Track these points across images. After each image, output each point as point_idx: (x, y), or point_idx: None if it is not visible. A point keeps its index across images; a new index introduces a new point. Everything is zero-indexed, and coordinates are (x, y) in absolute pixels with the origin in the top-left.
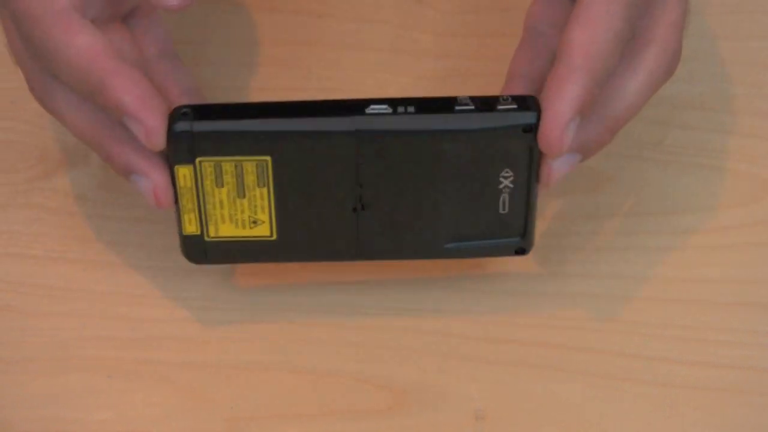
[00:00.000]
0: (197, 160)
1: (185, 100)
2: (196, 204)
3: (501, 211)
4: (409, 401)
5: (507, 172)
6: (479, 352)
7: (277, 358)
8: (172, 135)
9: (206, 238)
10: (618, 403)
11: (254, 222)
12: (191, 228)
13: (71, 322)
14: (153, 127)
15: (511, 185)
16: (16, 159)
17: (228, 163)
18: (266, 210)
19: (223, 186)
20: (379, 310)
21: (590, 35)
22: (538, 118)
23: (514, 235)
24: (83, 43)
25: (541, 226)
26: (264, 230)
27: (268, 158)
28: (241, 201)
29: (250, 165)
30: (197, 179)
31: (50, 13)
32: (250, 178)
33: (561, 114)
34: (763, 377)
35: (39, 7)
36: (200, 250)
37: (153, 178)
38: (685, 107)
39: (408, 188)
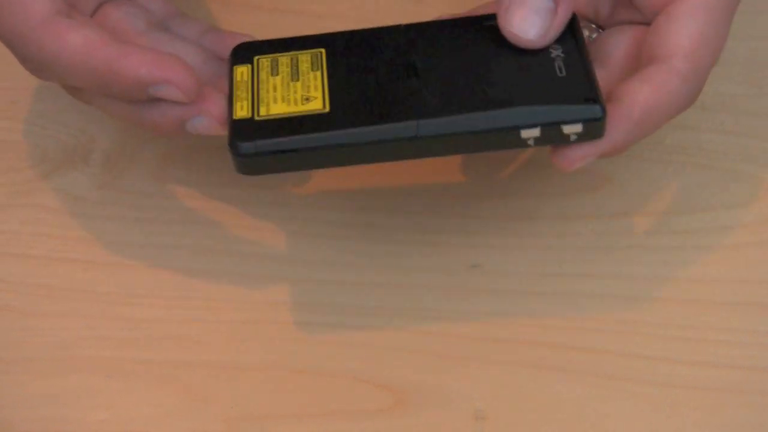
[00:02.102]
0: (255, 57)
1: (206, 43)
2: (249, 92)
3: (559, 74)
4: (409, 401)
5: (555, 46)
6: (479, 352)
7: (277, 358)
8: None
9: (256, 118)
10: (618, 403)
11: (307, 99)
12: (242, 112)
13: (71, 322)
14: (186, 84)
15: (563, 54)
16: (16, 159)
17: (284, 57)
18: (319, 88)
19: (278, 74)
20: (380, 310)
21: (657, 99)
22: None
23: (584, 99)
24: (76, 42)
25: (541, 226)
26: (317, 104)
27: (323, 50)
28: (294, 84)
29: (305, 56)
30: (253, 72)
31: (32, 27)
32: (304, 65)
33: (596, 152)
34: (763, 377)
35: (20, 24)
36: (249, 131)
37: (212, 111)
38: None
39: (461, 59)
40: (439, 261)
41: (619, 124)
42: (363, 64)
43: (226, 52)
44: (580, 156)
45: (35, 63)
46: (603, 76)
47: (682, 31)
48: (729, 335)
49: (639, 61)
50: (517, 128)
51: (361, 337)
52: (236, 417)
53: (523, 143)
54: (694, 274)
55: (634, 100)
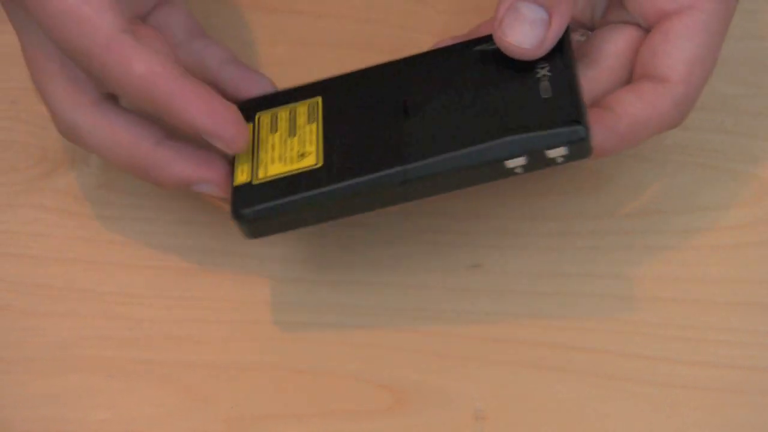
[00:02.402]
0: (257, 114)
1: (225, 74)
2: (250, 154)
3: (543, 96)
4: (409, 401)
5: (542, 64)
6: (479, 352)
7: (277, 358)
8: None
9: (254, 182)
10: (618, 403)
11: (302, 155)
12: (242, 177)
13: (71, 322)
14: (232, 137)
15: (549, 73)
16: (16, 159)
17: (284, 111)
18: (314, 142)
19: (277, 131)
20: (380, 310)
21: (647, 116)
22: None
23: (566, 121)
24: (141, 70)
25: (541, 226)
26: (311, 160)
27: (319, 99)
28: (291, 140)
29: (302, 107)
30: (254, 132)
31: (98, 46)
32: (301, 119)
33: None
34: (763, 377)
35: (85, 41)
36: (248, 196)
37: (215, 180)
38: None
39: (450, 93)
40: (439, 261)
41: (603, 131)
42: (356, 109)
43: (242, 89)
44: None
45: (99, 81)
46: (592, 75)
47: (678, 55)
48: (729, 335)
49: (629, 65)
50: (502, 160)
51: (361, 337)
52: (236, 417)
53: (511, 172)
54: (694, 274)
55: (624, 112)
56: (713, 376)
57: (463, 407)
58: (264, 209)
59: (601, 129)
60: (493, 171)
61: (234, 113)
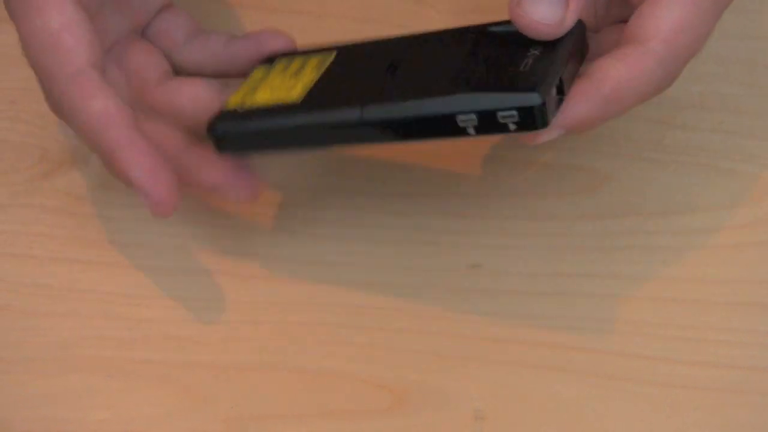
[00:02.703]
0: (278, 58)
1: (234, 48)
2: (252, 87)
3: (519, 69)
4: (409, 401)
5: (538, 47)
6: (479, 352)
7: (277, 358)
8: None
9: (239, 109)
10: (618, 403)
11: (289, 90)
12: (232, 102)
13: (71, 322)
14: (161, 201)
15: (538, 53)
16: (16, 159)
17: (300, 58)
18: (307, 84)
19: (285, 71)
20: (379, 310)
21: (630, 77)
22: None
23: (522, 88)
24: (97, 110)
25: (541, 226)
26: (293, 95)
27: (334, 54)
28: (291, 79)
29: (316, 58)
30: (268, 70)
31: (65, 75)
32: (310, 66)
33: (559, 124)
34: (763, 377)
35: (55, 68)
36: (227, 117)
37: (247, 188)
38: (685, 107)
39: (439, 57)
40: (439, 261)
41: (586, 97)
42: (355, 66)
43: (263, 46)
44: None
45: (55, 105)
46: None
47: (665, 16)
48: (729, 335)
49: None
50: (454, 115)
51: (361, 337)
52: (236, 417)
53: (463, 131)
54: (694, 274)
55: (606, 75)
56: (713, 376)
57: (463, 407)
58: (232, 129)
59: (583, 94)
60: (445, 126)
61: (170, 180)
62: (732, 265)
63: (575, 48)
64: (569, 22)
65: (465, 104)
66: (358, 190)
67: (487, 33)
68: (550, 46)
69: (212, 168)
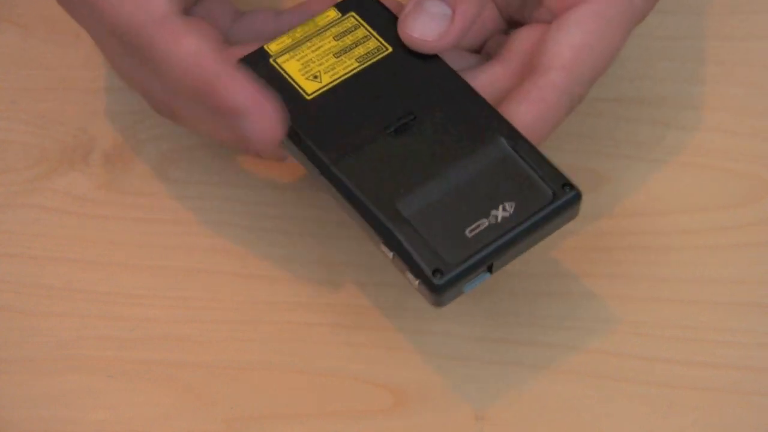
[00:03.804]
0: (351, 13)
1: (286, 18)
2: (301, 38)
3: (467, 233)
4: (409, 401)
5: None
6: (479, 352)
7: (277, 358)
8: None
9: (271, 58)
10: (618, 403)
11: (315, 77)
12: (273, 47)
13: (71, 322)
14: (267, 126)
15: (507, 214)
16: (16, 159)
17: (361, 30)
18: (336, 78)
19: (336, 41)
20: (379, 311)
21: (536, 116)
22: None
23: (436, 268)
24: (188, 49)
25: None
26: (310, 87)
27: (390, 50)
28: (330, 58)
29: (371, 43)
30: (329, 24)
31: (151, 22)
32: (358, 52)
33: None
34: (763, 377)
35: (140, 15)
36: (253, 59)
37: (266, 117)
38: (684, 107)
39: (445, 147)
40: None
41: None
42: (378, 92)
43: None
44: None
45: (143, 59)
46: (501, 72)
47: (565, 41)
48: (729, 335)
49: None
50: (379, 235)
51: (361, 337)
52: (236, 417)
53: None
54: (694, 274)
55: (515, 125)
56: (713, 376)
57: (463, 407)
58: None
59: None
60: (370, 236)
61: (274, 106)
62: (732, 265)
63: (547, 221)
64: (452, 36)
65: (388, 237)
66: None
67: (509, 153)
68: (526, 207)
69: (241, 87)
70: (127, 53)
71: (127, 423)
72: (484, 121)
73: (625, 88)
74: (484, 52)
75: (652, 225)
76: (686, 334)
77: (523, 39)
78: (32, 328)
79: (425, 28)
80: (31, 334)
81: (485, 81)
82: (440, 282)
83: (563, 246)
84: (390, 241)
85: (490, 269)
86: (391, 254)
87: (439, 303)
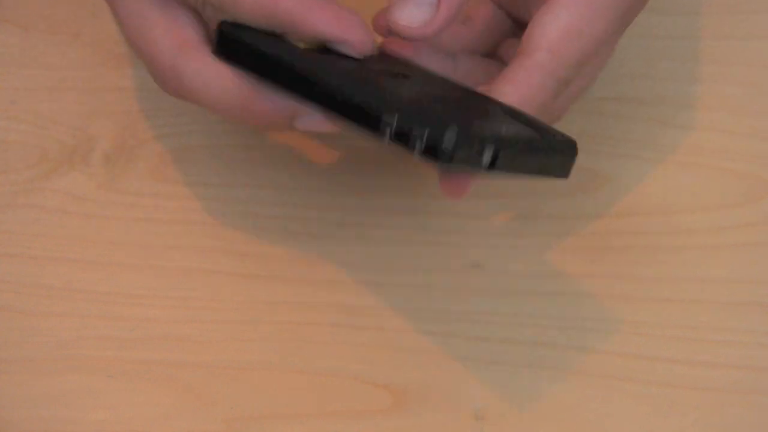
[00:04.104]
0: None
1: None
2: None
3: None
4: (409, 401)
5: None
6: (479, 352)
7: (277, 358)
8: None
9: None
10: (618, 403)
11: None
12: None
13: (71, 322)
14: (359, 40)
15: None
16: (16, 159)
17: None
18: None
19: None
20: (379, 310)
21: (520, 100)
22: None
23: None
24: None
25: (541, 226)
26: (303, 45)
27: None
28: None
29: None
30: None
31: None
32: None
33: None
34: (763, 377)
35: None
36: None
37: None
38: (684, 107)
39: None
40: (439, 261)
41: None
42: (382, 63)
43: None
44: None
45: (213, 7)
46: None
47: (552, 23)
48: (729, 335)
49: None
50: (380, 114)
51: (361, 337)
52: (236, 417)
53: (382, 132)
54: (694, 274)
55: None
56: (713, 376)
57: (463, 407)
58: (238, 34)
59: None
60: (369, 121)
61: (357, 17)
62: (732, 265)
63: (545, 150)
64: (437, 24)
65: (395, 103)
66: (358, 190)
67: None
68: (530, 132)
69: (325, 11)
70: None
71: (127, 423)
72: (482, 97)
73: (625, 87)
74: (498, 57)
75: (652, 225)
76: (687, 334)
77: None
78: (32, 328)
79: (411, 15)
80: (31, 334)
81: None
82: (452, 134)
83: (563, 246)
84: (396, 105)
85: (493, 162)
86: (394, 120)
87: (448, 159)
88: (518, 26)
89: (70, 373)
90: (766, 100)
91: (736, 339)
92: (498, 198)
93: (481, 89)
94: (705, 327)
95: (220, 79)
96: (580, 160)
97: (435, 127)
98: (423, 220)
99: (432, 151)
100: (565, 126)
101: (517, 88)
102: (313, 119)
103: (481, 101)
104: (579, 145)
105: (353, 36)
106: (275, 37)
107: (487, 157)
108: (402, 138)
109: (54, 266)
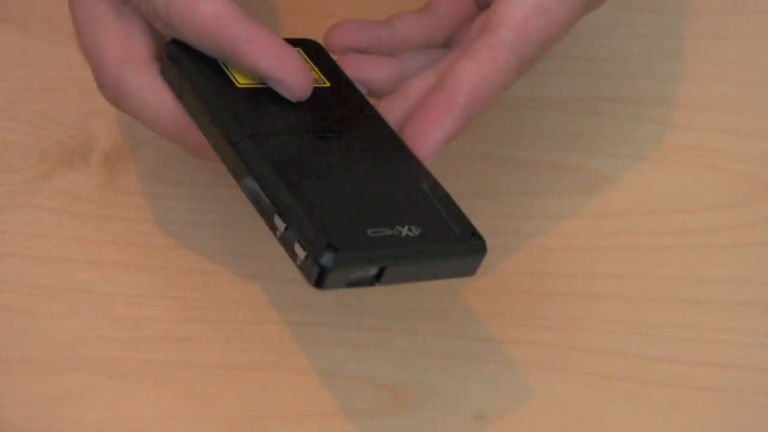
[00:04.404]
0: (296, 48)
1: None
2: None
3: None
4: (409, 401)
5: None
6: (479, 352)
7: (277, 358)
8: None
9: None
10: (618, 403)
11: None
12: None
13: (71, 322)
14: (296, 83)
15: (414, 234)
16: (15, 159)
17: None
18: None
19: None
20: (379, 310)
21: (484, 76)
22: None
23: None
24: (207, 11)
25: (541, 226)
26: (243, 80)
27: (328, 84)
28: None
29: (313, 73)
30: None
31: None
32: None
33: (431, 146)
34: (763, 377)
35: None
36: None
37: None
38: (684, 107)
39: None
40: None
41: (444, 115)
42: (316, 106)
43: None
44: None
45: (162, 23)
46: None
47: (518, 1)
48: (729, 335)
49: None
50: (271, 210)
51: (361, 337)
52: (236, 417)
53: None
54: (694, 274)
55: (459, 82)
56: (713, 376)
57: (463, 407)
58: (180, 55)
59: (440, 117)
60: (265, 209)
61: (297, 58)
62: (732, 265)
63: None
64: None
65: (285, 208)
66: None
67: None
68: (431, 236)
69: (268, 47)
70: (152, 17)
71: (127, 423)
72: (404, 163)
73: (625, 87)
74: (454, 41)
75: (652, 225)
76: (687, 334)
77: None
78: (32, 328)
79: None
80: (31, 334)
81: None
82: (329, 257)
83: (563, 245)
84: (286, 211)
85: (378, 276)
86: (283, 226)
87: (320, 282)
88: (482, 11)
89: (70, 373)
90: (766, 100)
91: (736, 339)
92: (498, 198)
93: (445, 66)
94: (705, 327)
95: (160, 100)
96: (581, 159)
97: (313, 252)
98: None
99: (307, 275)
100: (566, 127)
101: (480, 66)
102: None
103: (405, 180)
104: (579, 145)
105: (291, 78)
106: (216, 68)
107: (371, 273)
108: (287, 247)
109: (54, 266)
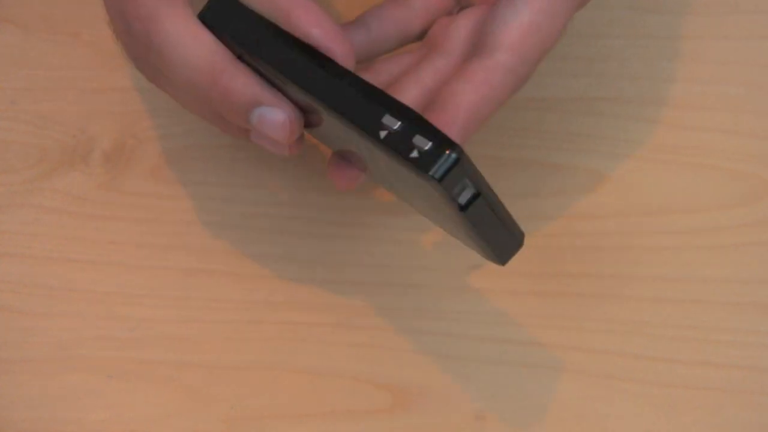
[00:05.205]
0: None
1: None
2: None
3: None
4: (409, 401)
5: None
6: (479, 352)
7: (277, 358)
8: None
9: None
10: (618, 403)
11: None
12: None
13: (71, 322)
14: (345, 51)
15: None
16: (15, 159)
17: None
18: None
19: None
20: (379, 311)
21: (481, 98)
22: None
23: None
24: (200, 53)
25: (541, 226)
26: None
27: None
28: None
29: None
30: None
31: (164, 29)
32: None
33: None
34: (763, 377)
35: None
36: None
37: (285, 109)
38: (684, 107)
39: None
40: (439, 261)
41: (447, 132)
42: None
43: None
44: None
45: (150, 71)
46: (442, 64)
47: (513, 20)
48: (729, 335)
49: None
50: (381, 115)
51: (361, 337)
52: (236, 417)
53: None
54: (694, 274)
55: (457, 104)
56: (713, 376)
57: (463, 407)
58: (232, 3)
59: (443, 130)
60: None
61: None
62: (732, 265)
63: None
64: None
65: (395, 106)
66: (358, 190)
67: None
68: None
69: (320, 16)
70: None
71: (127, 423)
72: None
73: (625, 87)
74: (427, 37)
75: (652, 225)
76: (688, 334)
77: (461, 27)
78: (32, 328)
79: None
80: (31, 334)
81: (428, 78)
82: (459, 148)
83: (563, 245)
84: (399, 108)
85: (468, 204)
86: (397, 123)
87: (446, 172)
88: (458, 4)
89: (70, 373)
90: (766, 100)
91: (737, 339)
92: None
93: (440, 86)
94: (706, 327)
95: (197, 42)
96: (581, 160)
97: (439, 143)
98: (423, 220)
99: (424, 166)
100: (566, 127)
101: (478, 87)
102: (273, 115)
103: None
104: (579, 145)
105: (339, 46)
106: (268, 23)
107: (465, 197)
108: (400, 144)
109: (54, 266)
